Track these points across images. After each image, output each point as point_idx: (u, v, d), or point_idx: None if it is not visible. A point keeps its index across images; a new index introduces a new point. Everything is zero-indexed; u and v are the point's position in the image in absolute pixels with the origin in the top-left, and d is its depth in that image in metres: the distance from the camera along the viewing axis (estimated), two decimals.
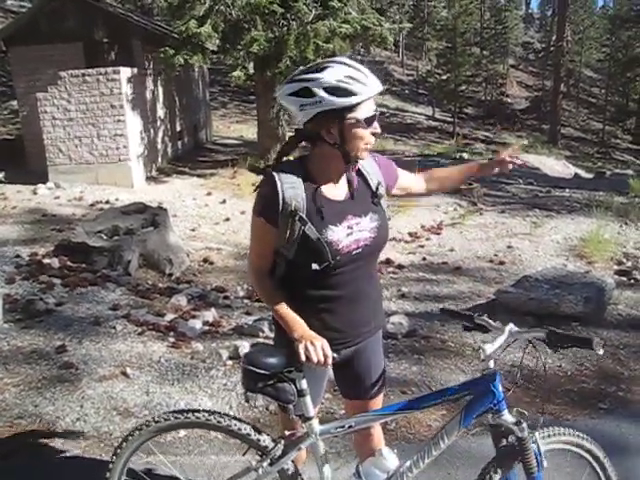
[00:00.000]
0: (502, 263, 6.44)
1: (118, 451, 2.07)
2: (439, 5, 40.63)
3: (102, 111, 9.96)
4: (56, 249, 6.23)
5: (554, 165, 14.86)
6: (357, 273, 1.91)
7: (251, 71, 10.83)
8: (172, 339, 4.33)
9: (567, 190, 10.56)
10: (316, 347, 1.75)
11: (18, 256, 6.11)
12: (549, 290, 4.72)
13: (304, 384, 1.85)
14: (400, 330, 4.36)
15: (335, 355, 1.80)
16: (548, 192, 10.51)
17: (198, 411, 2.03)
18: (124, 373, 3.81)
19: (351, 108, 1.74)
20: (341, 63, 1.76)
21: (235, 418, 2.03)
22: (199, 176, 11.39)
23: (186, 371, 3.84)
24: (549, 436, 1.93)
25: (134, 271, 5.85)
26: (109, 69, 10.04)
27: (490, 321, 1.94)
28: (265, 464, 1.92)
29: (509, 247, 6.99)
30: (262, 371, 1.79)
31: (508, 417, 1.83)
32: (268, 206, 1.81)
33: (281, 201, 1.77)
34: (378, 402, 2.11)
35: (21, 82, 11.54)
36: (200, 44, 10.18)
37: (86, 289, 5.38)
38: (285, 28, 10.24)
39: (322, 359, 1.75)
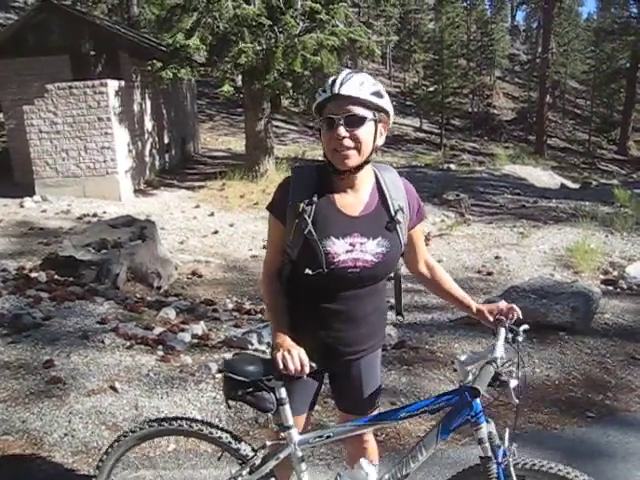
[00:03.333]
0: (490, 274, 6.48)
1: (100, 464, 2.07)
2: (426, 18, 41.07)
3: (89, 124, 9.94)
4: (43, 263, 6.20)
5: (540, 176, 15.01)
6: (356, 292, 1.89)
7: (239, 83, 10.87)
8: (161, 352, 4.31)
9: (554, 200, 10.67)
10: (293, 356, 1.74)
11: (4, 270, 6.07)
12: (536, 300, 4.75)
13: (283, 393, 1.85)
14: (389, 341, 4.37)
15: (313, 365, 1.78)
16: (535, 202, 10.61)
17: (179, 419, 2.04)
18: (113, 387, 3.78)
19: (321, 110, 1.79)
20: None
21: (215, 426, 2.03)
22: (187, 189, 11.39)
23: (175, 384, 3.82)
24: (525, 465, 1.82)
25: (122, 284, 5.82)
26: (96, 82, 10.03)
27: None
28: (244, 472, 1.94)
29: (497, 257, 7.05)
30: (241, 378, 1.81)
31: (485, 431, 1.79)
32: (277, 202, 1.88)
33: (289, 200, 1.82)
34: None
35: (7, 95, 11.50)
36: (188, 57, 10.21)
37: (74, 303, 5.34)
38: (273, 40, 10.29)
39: (298, 368, 1.74)
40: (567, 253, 6.98)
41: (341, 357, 1.97)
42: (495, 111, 37.71)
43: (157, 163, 12.77)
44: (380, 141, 1.84)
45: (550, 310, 4.63)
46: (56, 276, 5.94)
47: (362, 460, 1.95)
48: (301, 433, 1.94)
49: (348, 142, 1.74)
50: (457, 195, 10.41)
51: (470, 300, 2.03)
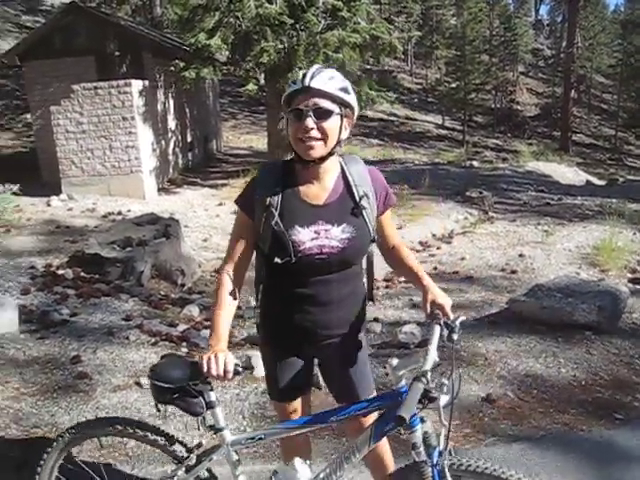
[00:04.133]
0: (514, 272, 6.41)
1: (42, 462, 2.13)
2: (448, 13, 40.74)
3: (114, 123, 10.06)
4: (70, 260, 6.30)
5: (565, 172, 14.81)
6: (327, 277, 1.95)
7: (262, 82, 10.90)
8: (185, 349, 4.36)
9: (579, 198, 10.51)
10: (218, 360, 1.75)
11: (33, 267, 6.17)
12: (562, 299, 4.69)
13: (212, 396, 1.87)
14: (412, 340, 4.36)
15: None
16: (559, 200, 10.46)
17: (116, 419, 2.09)
18: (138, 383, 3.83)
19: (290, 101, 1.87)
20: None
21: (151, 428, 2.05)
22: (210, 187, 11.47)
23: None
24: (461, 466, 1.77)
25: (146, 282, 5.89)
26: (121, 82, 10.15)
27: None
28: (180, 472, 1.97)
29: (521, 256, 6.97)
30: (166, 385, 1.83)
31: (419, 435, 1.75)
32: (244, 197, 1.97)
33: (256, 195, 1.92)
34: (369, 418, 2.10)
35: (35, 96, 11.70)
36: (210, 56, 10.27)
37: (99, 300, 5.43)
38: (295, 39, 10.30)
39: (221, 373, 1.74)
40: (593, 251, 6.87)
41: (320, 340, 2.03)
42: (518, 107, 37.30)
43: (180, 162, 12.87)
44: (344, 135, 1.90)
45: (576, 309, 4.57)
46: (82, 273, 6.03)
47: (296, 459, 1.96)
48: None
49: (315, 133, 1.81)
50: (480, 192, 10.31)
51: (427, 280, 1.96)
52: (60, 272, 6.04)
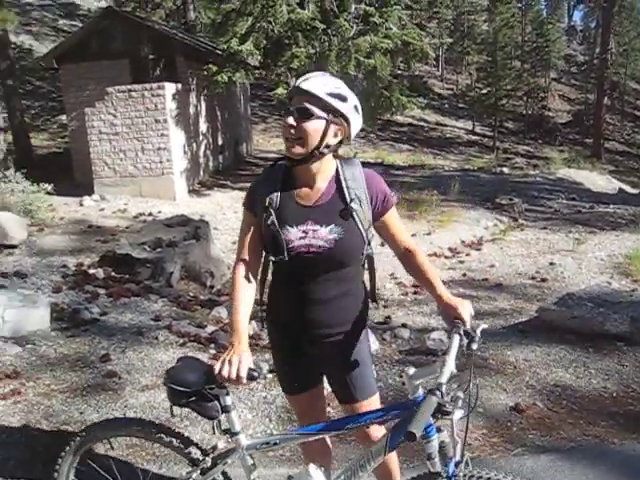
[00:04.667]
0: (544, 280, 6.33)
1: (60, 461, 2.15)
2: (479, 19, 40.41)
3: (147, 125, 10.20)
4: (101, 260, 6.40)
5: (597, 180, 14.57)
6: (316, 277, 1.98)
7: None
8: (213, 351, 4.39)
9: (611, 206, 10.33)
10: (232, 364, 1.73)
11: (65, 266, 6.29)
12: (593, 308, 4.62)
13: (228, 400, 1.86)
14: (440, 347, 4.33)
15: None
16: (591, 208, 10.30)
17: (132, 421, 2.12)
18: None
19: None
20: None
21: (167, 430, 2.05)
22: (240, 189, 11.53)
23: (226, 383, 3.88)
24: (479, 478, 1.74)
25: (176, 283, 5.95)
26: (154, 85, 10.29)
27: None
28: (195, 475, 1.98)
29: (551, 264, 6.88)
30: (182, 389, 1.82)
31: (435, 445, 1.73)
32: (248, 197, 2.06)
33: (257, 195, 2.00)
34: (365, 407, 2.09)
35: (70, 98, 11.93)
36: (242, 61, 10.35)
37: (129, 300, 5.50)
38: (326, 44, 10.34)
39: (233, 377, 1.72)
40: (625, 260, 6.75)
41: (314, 338, 2.06)
42: (550, 113, 36.78)
43: (211, 164, 12.99)
44: (333, 141, 1.91)
45: (607, 319, 4.49)
46: (113, 273, 6.13)
47: (310, 465, 1.95)
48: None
49: (295, 131, 1.86)
50: (510, 199, 10.20)
51: (436, 285, 1.96)
52: (91, 271, 6.14)
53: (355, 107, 1.92)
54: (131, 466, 3.00)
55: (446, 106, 35.25)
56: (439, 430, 1.74)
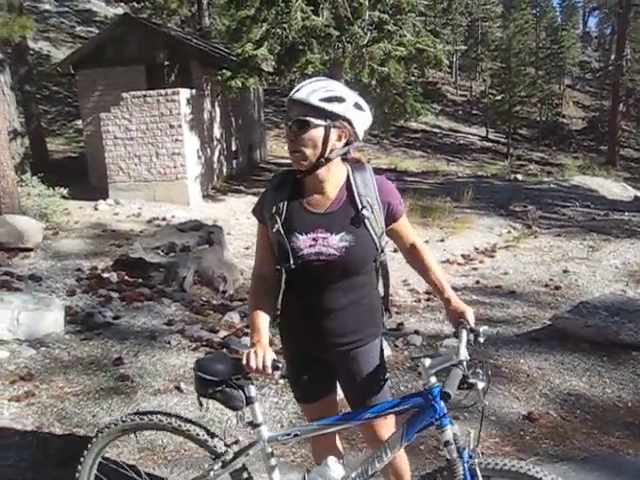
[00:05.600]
0: (558, 288, 6.28)
1: (82, 459, 2.19)
2: (494, 25, 40.34)
3: (161, 131, 10.27)
4: (115, 264, 6.44)
5: (612, 187, 14.45)
6: (326, 285, 1.97)
7: None
8: None
9: (626, 213, 10.23)
10: (257, 355, 1.84)
11: (79, 269, 6.34)
12: (607, 317, 4.57)
13: (252, 391, 1.94)
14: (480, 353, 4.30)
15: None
16: (606, 215, 10.21)
17: (158, 413, 2.12)
18: (178, 388, 3.89)
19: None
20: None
21: (191, 422, 2.09)
22: (254, 195, 11.56)
23: None
24: (491, 466, 1.83)
25: (189, 287, 5.97)
26: (169, 90, 10.37)
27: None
28: (217, 467, 2.02)
29: (565, 271, 6.82)
30: (210, 377, 1.90)
31: (450, 434, 1.82)
32: (257, 206, 2.06)
33: (266, 203, 1.99)
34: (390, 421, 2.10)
35: (86, 103, 12.06)
36: (257, 66, 10.39)
37: (142, 304, 5.53)
38: (340, 51, 10.36)
39: (260, 367, 1.83)
40: None
41: (326, 347, 2.05)
42: (564, 120, 36.59)
43: (225, 169, 13.05)
44: (337, 145, 1.89)
45: (622, 328, 4.44)
46: (126, 277, 6.17)
47: (330, 458, 2.01)
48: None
49: (295, 145, 1.86)
50: (524, 206, 10.15)
51: (445, 287, 2.05)
52: (105, 275, 6.18)
53: (356, 104, 1.89)
54: (154, 467, 3.03)
55: (460, 112, 35.17)
56: (452, 422, 1.83)
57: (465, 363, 1.74)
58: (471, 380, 1.74)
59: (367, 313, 2.09)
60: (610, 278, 6.52)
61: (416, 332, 4.99)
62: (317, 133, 1.84)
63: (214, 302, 5.77)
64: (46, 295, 5.29)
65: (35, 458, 3.07)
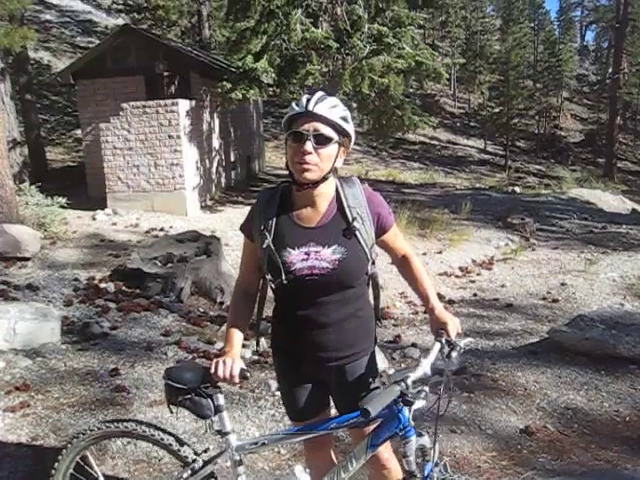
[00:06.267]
0: (555, 301, 6.29)
1: (56, 465, 2.21)
2: (492, 39, 40.61)
3: (160, 141, 10.28)
4: (112, 274, 6.43)
5: (610, 200, 14.49)
6: (322, 299, 1.97)
7: None
8: None
9: (624, 226, 10.27)
10: (226, 365, 1.88)
11: (76, 279, 6.32)
12: (605, 330, 4.57)
13: (221, 400, 1.98)
14: (450, 367, 4.29)
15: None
16: (604, 228, 10.24)
17: (127, 421, 2.15)
18: None
19: (291, 123, 1.90)
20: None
21: (162, 430, 2.12)
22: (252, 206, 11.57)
23: (235, 400, 3.88)
24: None
25: (186, 298, 5.97)
26: (168, 101, 10.38)
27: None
28: (185, 475, 2.04)
29: (563, 284, 6.83)
30: (179, 386, 1.94)
31: (412, 446, 1.83)
32: (246, 221, 2.07)
33: (254, 220, 2.01)
34: (371, 427, 2.05)
35: (86, 113, 12.07)
36: (257, 78, 10.43)
37: (139, 314, 5.52)
38: (340, 62, 10.41)
39: (227, 375, 1.87)
40: (638, 282, 6.69)
41: (321, 362, 2.06)
42: (562, 133, 36.77)
43: (223, 180, 13.06)
44: (339, 162, 1.94)
45: (620, 342, 4.44)
46: (124, 287, 6.15)
47: (296, 467, 2.06)
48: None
49: (312, 158, 1.85)
50: (522, 219, 10.16)
51: (430, 297, 2.06)
52: (102, 285, 6.17)
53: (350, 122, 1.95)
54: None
55: (458, 125, 35.32)
56: (420, 435, 1.84)
57: (410, 380, 1.74)
58: (408, 398, 1.74)
59: (364, 326, 2.10)
60: (608, 291, 6.53)
61: (413, 345, 4.98)
62: (333, 149, 1.89)
63: (211, 313, 5.76)
64: (43, 305, 5.27)
65: (30, 469, 3.06)
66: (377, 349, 2.26)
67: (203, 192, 11.40)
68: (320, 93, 1.91)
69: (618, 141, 28.74)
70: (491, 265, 7.92)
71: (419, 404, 1.76)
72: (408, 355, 4.70)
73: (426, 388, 1.78)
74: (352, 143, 1.98)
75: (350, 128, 1.92)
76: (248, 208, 2.11)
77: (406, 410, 1.80)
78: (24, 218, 7.70)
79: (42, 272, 6.42)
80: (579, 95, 44.61)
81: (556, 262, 7.98)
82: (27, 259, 6.65)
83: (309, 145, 1.84)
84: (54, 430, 3.47)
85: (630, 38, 31.20)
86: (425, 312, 5.90)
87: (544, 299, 6.38)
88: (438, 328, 1.95)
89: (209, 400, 1.95)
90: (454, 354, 1.86)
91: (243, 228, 2.09)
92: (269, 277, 1.96)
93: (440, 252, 8.30)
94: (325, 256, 1.92)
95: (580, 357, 4.52)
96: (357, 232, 1.95)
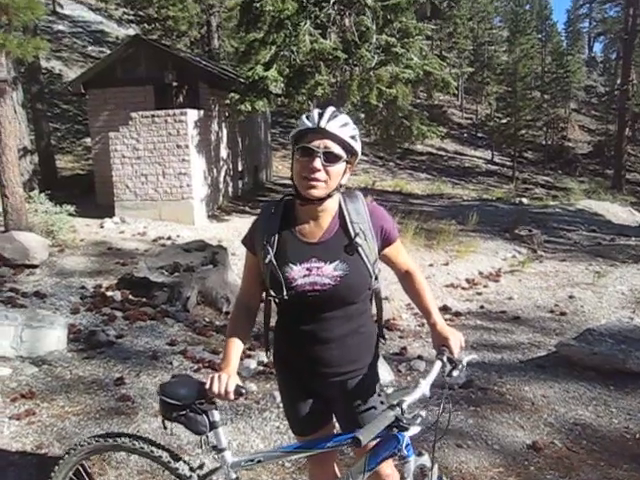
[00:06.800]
0: (563, 314, 6.24)
1: (51, 477, 2.21)
2: (499, 50, 40.68)
3: (168, 150, 10.34)
4: (119, 282, 6.44)
5: (618, 212, 14.43)
6: (326, 314, 1.96)
7: None
8: None
9: (633, 238, 10.22)
10: (221, 381, 1.85)
11: (83, 287, 6.34)
12: (614, 345, 4.53)
13: (216, 416, 1.96)
14: (457, 380, 4.27)
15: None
16: (612, 240, 10.19)
17: (122, 435, 2.13)
18: None
19: (297, 140, 1.88)
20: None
21: (156, 445, 2.10)
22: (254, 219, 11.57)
23: (239, 411, 3.86)
24: None
25: (192, 308, 5.96)
26: (177, 111, 10.45)
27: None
28: None
29: (570, 297, 6.79)
30: (173, 402, 1.92)
31: (410, 467, 1.81)
32: (248, 235, 2.06)
33: (257, 233, 1.99)
34: (373, 442, 2.04)
35: (96, 122, 12.16)
36: (265, 89, 10.47)
37: (145, 323, 5.52)
38: (348, 73, 10.44)
39: (222, 391, 1.84)
40: None
41: (323, 378, 2.04)
42: (570, 144, 36.69)
43: (230, 190, 13.10)
44: (345, 179, 1.93)
45: (629, 356, 4.39)
46: (130, 296, 6.16)
47: None
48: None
49: (321, 175, 1.84)
50: (529, 230, 10.13)
51: (432, 312, 2.04)
52: (109, 294, 6.18)
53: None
54: None
55: (465, 135, 35.33)
56: (420, 454, 1.83)
57: (406, 404, 1.69)
58: (404, 424, 1.70)
59: (366, 342, 2.09)
60: (616, 305, 6.48)
61: (419, 357, 4.95)
62: (341, 167, 1.88)
63: (217, 323, 5.75)
64: (50, 312, 5.29)
65: (34, 478, 3.05)
66: (382, 361, 2.25)
67: (210, 201, 11.43)
68: (331, 109, 1.88)
69: (627, 152, 28.67)
70: (498, 277, 7.89)
71: (414, 430, 1.72)
72: (414, 367, 4.67)
73: (423, 413, 1.74)
74: (358, 160, 1.98)
75: (358, 146, 1.91)
76: (255, 218, 2.09)
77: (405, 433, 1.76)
78: (33, 225, 7.74)
79: (50, 279, 6.44)
80: (587, 106, 44.56)
81: (564, 274, 7.94)
82: (35, 266, 6.67)
83: (318, 162, 1.83)
84: (59, 439, 3.46)
85: (639, 49, 31.15)
86: None
87: (552, 312, 6.33)
88: (440, 344, 1.92)
89: (204, 416, 1.93)
90: (455, 373, 1.82)
91: (245, 241, 2.07)
92: (271, 292, 1.95)
93: (447, 263, 8.28)
94: (326, 272, 1.91)
95: (589, 372, 4.48)
96: (359, 248, 1.93)
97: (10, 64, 9.91)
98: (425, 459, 1.81)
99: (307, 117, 1.88)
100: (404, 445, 1.78)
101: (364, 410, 2.06)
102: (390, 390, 1.83)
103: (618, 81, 33.33)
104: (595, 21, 59.46)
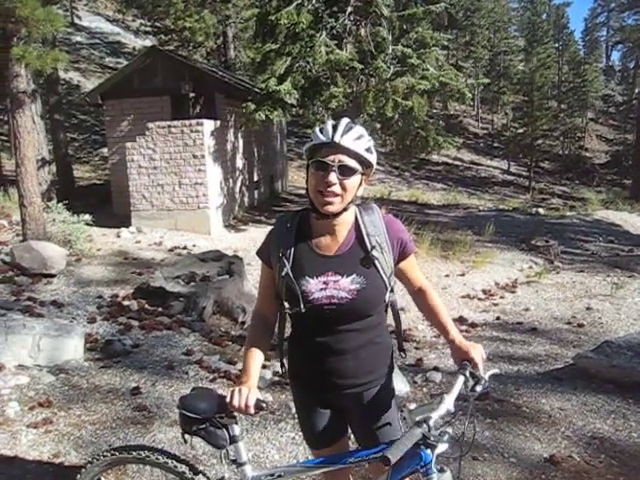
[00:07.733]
0: (581, 325, 6.17)
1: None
2: (516, 59, 40.61)
3: (185, 160, 10.42)
4: (135, 292, 6.48)
5: (637, 222, 14.27)
6: (339, 327, 1.95)
7: None
8: None
9: None
10: (242, 394, 1.83)
11: (100, 297, 6.39)
12: (633, 357, 4.47)
13: (237, 430, 1.94)
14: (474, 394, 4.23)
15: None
16: (630, 251, 10.08)
17: (139, 448, 2.12)
18: None
19: (311, 153, 1.89)
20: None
21: (176, 458, 2.09)
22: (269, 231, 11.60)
23: (255, 422, 3.86)
24: None
25: (208, 317, 5.98)
26: (193, 121, 10.55)
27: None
28: None
29: (588, 309, 6.71)
30: (193, 415, 1.90)
31: None
32: (263, 248, 2.05)
33: (272, 245, 1.98)
34: None
35: (113, 132, 12.31)
36: (280, 99, 10.54)
37: (161, 333, 5.55)
38: (364, 84, 10.47)
39: (242, 405, 1.82)
40: None
41: (338, 389, 2.02)
42: (587, 154, 36.45)
43: (246, 200, 13.16)
44: (360, 191, 1.92)
45: None
46: (146, 305, 6.20)
47: None
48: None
49: (336, 189, 1.83)
50: (546, 241, 10.05)
51: (450, 329, 2.01)
52: (125, 303, 6.22)
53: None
54: None
55: (481, 145, 35.23)
56: (442, 470, 1.78)
57: (432, 421, 1.67)
58: (431, 441, 1.67)
59: (382, 353, 2.08)
60: (635, 317, 6.39)
61: (435, 368, 4.92)
62: (356, 180, 1.88)
63: (233, 333, 5.77)
64: (67, 322, 5.34)
65: None
66: (398, 372, 2.24)
67: (226, 211, 11.49)
68: (346, 121, 1.87)
69: None
70: (515, 288, 7.82)
71: (442, 448, 1.69)
72: (430, 379, 4.64)
73: (449, 430, 1.72)
74: (373, 171, 1.97)
75: (373, 159, 1.90)
76: (271, 228, 2.10)
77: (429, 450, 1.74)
78: (51, 235, 7.83)
79: (67, 289, 6.50)
80: (605, 116, 44.27)
81: (581, 285, 7.86)
82: (53, 276, 6.74)
83: (333, 176, 1.82)
84: (75, 448, 3.48)
85: None
86: None
87: (569, 323, 6.27)
88: (461, 359, 1.90)
89: (224, 430, 1.92)
90: (479, 388, 1.79)
91: (261, 254, 2.06)
92: (287, 305, 1.94)
93: (463, 274, 8.23)
94: (343, 286, 1.90)
95: (607, 384, 4.43)
96: (376, 261, 1.93)
97: (29, 75, 10.06)
98: (447, 476, 1.77)
99: (321, 130, 1.87)
100: (428, 462, 1.75)
101: (381, 425, 2.05)
102: (412, 406, 1.81)
103: (636, 90, 33.15)
104: (613, 29, 59.22)
